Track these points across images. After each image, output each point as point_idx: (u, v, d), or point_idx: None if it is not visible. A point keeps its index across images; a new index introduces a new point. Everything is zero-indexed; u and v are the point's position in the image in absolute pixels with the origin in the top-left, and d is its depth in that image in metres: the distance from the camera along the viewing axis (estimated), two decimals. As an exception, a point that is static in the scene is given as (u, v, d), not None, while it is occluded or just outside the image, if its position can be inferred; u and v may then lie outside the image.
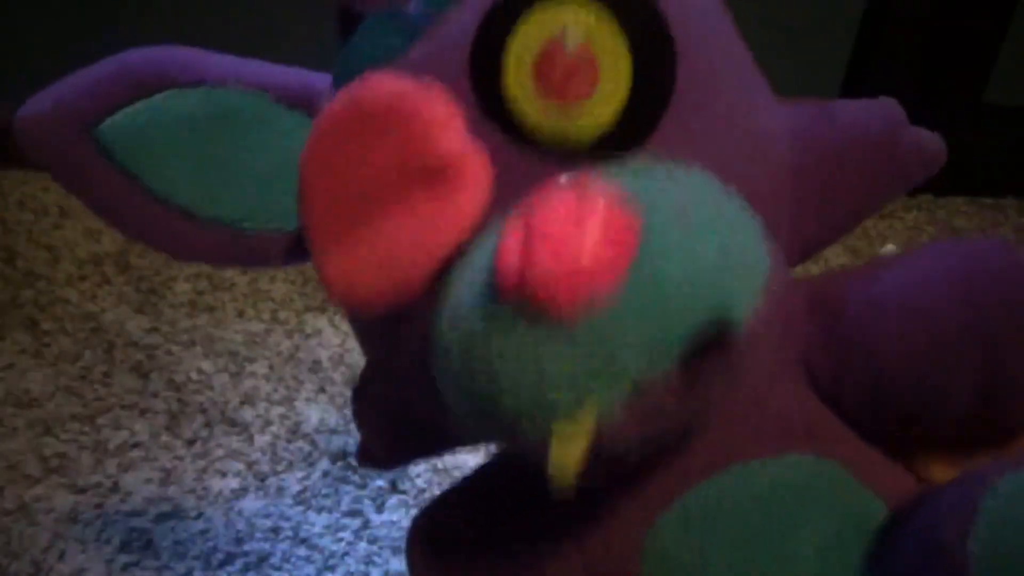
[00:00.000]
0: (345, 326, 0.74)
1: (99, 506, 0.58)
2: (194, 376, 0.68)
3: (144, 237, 0.22)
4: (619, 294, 0.12)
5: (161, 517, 0.57)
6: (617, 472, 0.15)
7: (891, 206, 0.98)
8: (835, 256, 0.88)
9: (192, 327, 0.73)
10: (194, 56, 0.21)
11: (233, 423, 0.65)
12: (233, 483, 0.60)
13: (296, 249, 0.20)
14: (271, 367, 0.70)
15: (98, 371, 0.68)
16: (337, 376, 0.69)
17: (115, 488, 0.59)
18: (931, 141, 0.19)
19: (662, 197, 0.13)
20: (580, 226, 0.12)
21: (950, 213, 0.98)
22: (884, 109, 0.18)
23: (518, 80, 0.14)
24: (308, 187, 0.16)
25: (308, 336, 0.73)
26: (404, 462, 0.21)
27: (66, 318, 0.73)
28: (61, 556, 0.54)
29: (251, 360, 0.71)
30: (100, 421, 0.64)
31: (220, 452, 0.62)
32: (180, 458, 0.61)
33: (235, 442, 0.63)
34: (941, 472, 0.16)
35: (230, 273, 0.80)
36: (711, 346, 0.13)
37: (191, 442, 0.63)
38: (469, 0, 0.15)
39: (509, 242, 0.12)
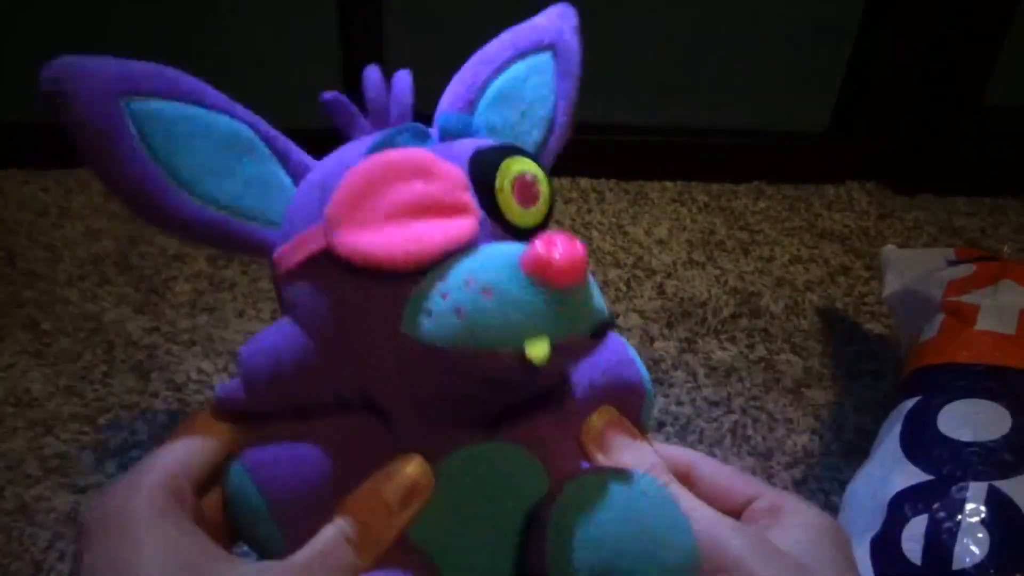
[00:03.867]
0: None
1: (99, 506, 0.58)
2: (194, 376, 0.68)
3: (141, 208, 0.26)
4: (581, 286, 0.24)
5: (161, 517, 0.57)
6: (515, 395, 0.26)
7: (891, 206, 0.98)
8: (835, 256, 0.88)
9: (192, 327, 0.73)
10: (208, 88, 0.27)
11: (233, 423, 0.65)
12: (233, 483, 0.59)
13: (263, 247, 0.27)
14: (271, 367, 0.70)
15: (98, 371, 0.68)
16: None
17: (115, 488, 0.59)
18: None
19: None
20: (574, 244, 0.23)
21: (950, 213, 0.98)
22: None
23: (504, 191, 0.26)
24: (344, 195, 0.25)
25: (308, 336, 0.73)
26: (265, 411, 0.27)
27: (66, 318, 0.73)
28: (61, 556, 0.54)
29: (251, 360, 0.71)
30: (100, 421, 0.64)
31: (220, 452, 0.62)
32: (180, 458, 0.61)
33: (235, 442, 0.63)
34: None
35: (230, 273, 0.80)
36: (599, 332, 0.24)
37: (191, 442, 0.63)
38: (461, 144, 0.27)
39: (538, 244, 0.23)
